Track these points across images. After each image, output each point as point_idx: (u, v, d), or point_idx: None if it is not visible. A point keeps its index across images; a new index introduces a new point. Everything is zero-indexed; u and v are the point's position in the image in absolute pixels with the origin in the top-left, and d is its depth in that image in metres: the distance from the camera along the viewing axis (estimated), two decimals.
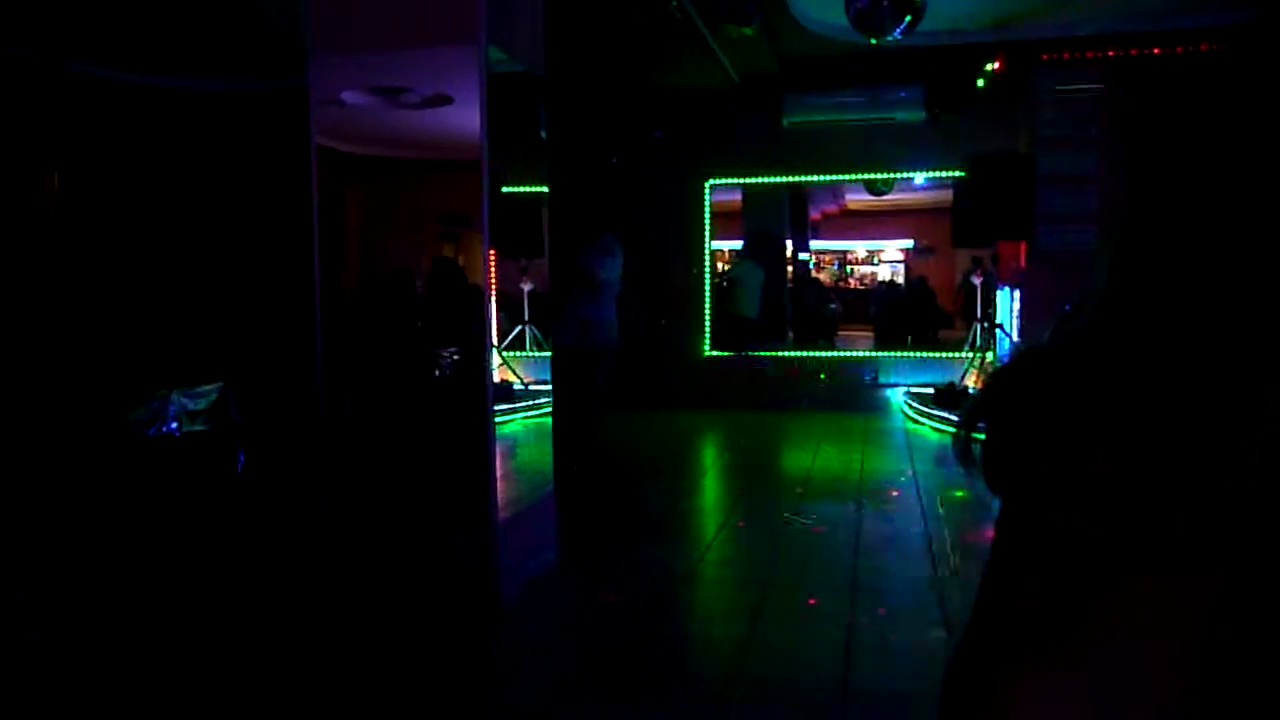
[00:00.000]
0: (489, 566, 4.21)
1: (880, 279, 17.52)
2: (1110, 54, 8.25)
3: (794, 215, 14.42)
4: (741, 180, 10.64)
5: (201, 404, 5.17)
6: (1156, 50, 8.00)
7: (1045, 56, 8.39)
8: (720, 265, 12.63)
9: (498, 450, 4.34)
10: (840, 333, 13.97)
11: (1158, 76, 7.72)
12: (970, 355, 9.33)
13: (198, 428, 5.11)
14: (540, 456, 5.05)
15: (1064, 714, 0.48)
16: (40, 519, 4.57)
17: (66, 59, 7.57)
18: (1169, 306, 0.53)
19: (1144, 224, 0.56)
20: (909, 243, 17.67)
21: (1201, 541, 0.48)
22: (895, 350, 10.49)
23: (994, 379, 0.62)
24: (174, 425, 5.05)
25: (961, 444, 0.62)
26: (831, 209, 17.03)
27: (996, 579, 0.55)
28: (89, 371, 5.32)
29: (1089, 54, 8.31)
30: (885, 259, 18.19)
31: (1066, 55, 8.35)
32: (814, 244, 16.79)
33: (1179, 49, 7.74)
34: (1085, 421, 0.53)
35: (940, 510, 5.66)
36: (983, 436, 0.60)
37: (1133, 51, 8.18)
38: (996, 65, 8.34)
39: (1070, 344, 0.59)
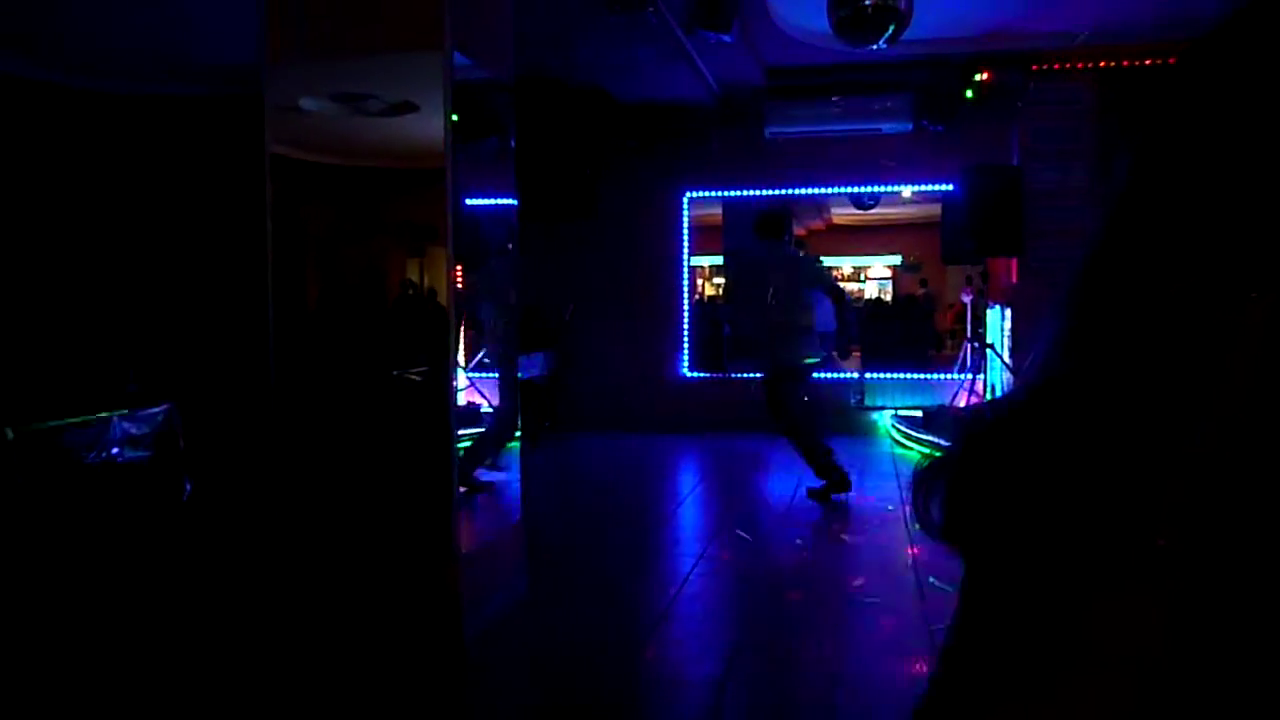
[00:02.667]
0: (453, 601, 3.96)
1: (867, 296, 17.31)
2: (1102, 65, 8.07)
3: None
4: (722, 193, 10.24)
5: (145, 428, 4.86)
6: (1149, 61, 7.83)
7: (1035, 67, 8.21)
8: (700, 281, 12.35)
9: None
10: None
11: (1149, 88, 7.56)
12: (961, 377, 9.08)
13: (140, 454, 4.80)
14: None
15: None
16: None
17: None
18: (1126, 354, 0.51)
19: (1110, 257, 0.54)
20: (896, 259, 17.49)
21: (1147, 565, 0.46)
22: (882, 371, 10.05)
23: (951, 448, 0.61)
24: (115, 451, 4.74)
25: (920, 506, 0.60)
26: (817, 224, 16.81)
27: (961, 635, 0.55)
28: (24, 392, 5.02)
29: (1080, 64, 8.13)
30: (872, 275, 17.99)
31: (1057, 65, 8.18)
32: None
33: (1172, 59, 7.56)
34: (1041, 478, 0.52)
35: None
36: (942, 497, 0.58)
37: (1124, 63, 8.02)
38: (985, 75, 8.13)
39: (1022, 403, 0.57)
